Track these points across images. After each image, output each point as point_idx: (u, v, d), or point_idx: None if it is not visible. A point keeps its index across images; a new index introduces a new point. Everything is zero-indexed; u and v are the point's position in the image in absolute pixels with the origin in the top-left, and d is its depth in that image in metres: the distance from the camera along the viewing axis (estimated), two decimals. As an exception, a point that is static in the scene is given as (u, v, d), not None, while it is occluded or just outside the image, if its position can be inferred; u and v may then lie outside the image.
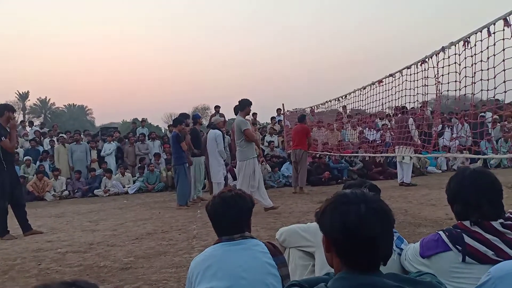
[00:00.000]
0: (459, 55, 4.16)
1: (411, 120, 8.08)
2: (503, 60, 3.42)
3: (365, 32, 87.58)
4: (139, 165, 12.68)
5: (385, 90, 6.49)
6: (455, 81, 4.30)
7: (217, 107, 14.42)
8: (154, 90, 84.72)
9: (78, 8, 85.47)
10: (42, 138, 13.67)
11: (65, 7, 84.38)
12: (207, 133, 9.52)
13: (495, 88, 3.58)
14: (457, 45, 4.20)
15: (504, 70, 3.42)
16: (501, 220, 1.77)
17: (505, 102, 6.48)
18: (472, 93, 4.08)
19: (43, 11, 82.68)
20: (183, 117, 9.39)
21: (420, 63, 5.18)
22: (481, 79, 3.81)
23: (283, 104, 12.68)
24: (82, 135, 13.65)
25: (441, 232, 1.86)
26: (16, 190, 6.18)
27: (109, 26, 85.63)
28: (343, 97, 8.78)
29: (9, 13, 76.49)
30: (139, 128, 15.26)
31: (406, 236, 4.57)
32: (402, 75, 5.84)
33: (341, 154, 11.05)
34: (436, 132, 8.21)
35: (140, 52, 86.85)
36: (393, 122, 9.70)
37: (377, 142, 10.43)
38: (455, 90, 4.34)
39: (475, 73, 3.87)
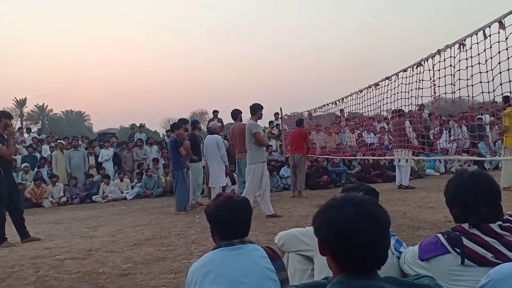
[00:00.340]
0: (455, 57, 4.18)
1: (407, 123, 8.09)
2: (499, 63, 3.44)
3: (363, 35, 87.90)
4: (137, 170, 12.67)
5: (382, 93, 6.51)
6: (451, 84, 4.32)
7: (215, 112, 14.44)
8: (152, 95, 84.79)
9: (76, 13, 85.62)
10: (40, 144, 13.63)
11: (63, 13, 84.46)
12: (204, 138, 9.53)
13: (494, 90, 3.60)
14: (452, 47, 4.22)
15: (500, 73, 3.43)
16: (500, 222, 1.76)
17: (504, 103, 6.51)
18: (468, 96, 4.09)
19: (40, 17, 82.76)
20: (181, 122, 9.40)
21: (416, 66, 5.20)
22: (480, 82, 3.81)
23: (280, 108, 12.73)
24: (80, 141, 13.62)
25: (439, 235, 1.86)
26: (14, 197, 6.15)
27: (106, 31, 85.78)
28: (340, 100, 8.80)
29: (6, 19, 76.54)
30: (137, 134, 15.26)
31: (405, 239, 4.56)
32: (398, 78, 5.86)
33: (340, 158, 11.06)
34: (436, 134, 8.25)
35: (138, 57, 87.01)
36: (391, 125, 9.71)
37: (376, 145, 10.45)
38: (452, 93, 4.36)
39: (472, 75, 3.89)
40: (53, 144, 13.57)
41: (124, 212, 9.17)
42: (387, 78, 6.28)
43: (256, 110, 7.18)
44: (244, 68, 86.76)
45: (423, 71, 5.02)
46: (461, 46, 4.10)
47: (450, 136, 11.84)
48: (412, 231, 5.20)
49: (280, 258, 2.18)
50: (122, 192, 12.00)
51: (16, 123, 42.72)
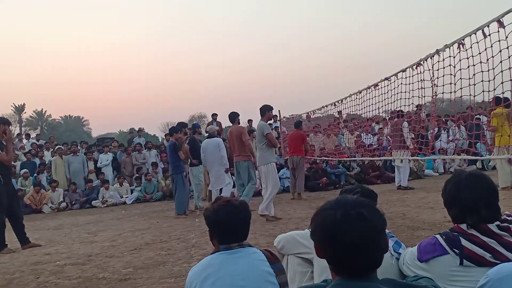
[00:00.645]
0: (454, 57, 4.17)
1: (405, 123, 8.10)
2: (500, 62, 3.43)
3: (362, 37, 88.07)
4: (137, 175, 12.66)
5: (381, 94, 6.50)
6: (450, 84, 4.32)
7: (214, 115, 14.44)
8: (150, 99, 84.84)
9: (73, 19, 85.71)
10: (39, 150, 13.62)
11: (60, 19, 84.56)
12: (201, 142, 9.54)
13: (494, 89, 3.59)
14: (451, 47, 4.22)
15: (502, 71, 3.42)
16: (498, 223, 1.76)
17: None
18: (470, 95, 4.08)
19: (38, 22, 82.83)
20: (180, 126, 9.40)
21: (415, 66, 5.19)
22: (482, 81, 3.81)
23: (279, 111, 12.71)
24: (79, 146, 13.61)
25: (438, 236, 1.86)
26: (14, 203, 6.14)
27: (104, 36, 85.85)
28: (339, 101, 8.80)
29: (3, 25, 76.55)
30: (136, 138, 15.25)
31: (405, 239, 4.57)
32: (397, 78, 5.85)
33: (339, 159, 11.07)
34: (433, 135, 8.25)
35: (135, 62, 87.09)
36: (389, 126, 9.73)
37: (374, 146, 10.45)
38: (451, 93, 4.35)
39: (474, 75, 3.88)
40: (52, 150, 13.54)
41: (124, 217, 9.17)
42: (386, 79, 6.27)
43: (265, 111, 7.28)
44: (242, 71, 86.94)
45: (423, 71, 5.02)
46: (461, 45, 4.09)
47: (448, 136, 11.85)
48: (412, 232, 5.20)
49: (279, 261, 2.18)
50: (121, 197, 11.99)
51: (15, 129, 42.75)
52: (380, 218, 1.26)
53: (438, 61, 4.52)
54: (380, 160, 11.02)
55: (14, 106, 51.53)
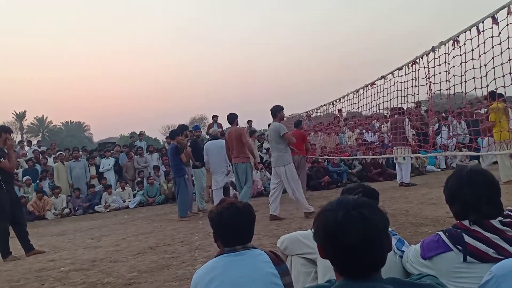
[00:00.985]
0: (449, 54, 4.19)
1: (407, 121, 8.11)
2: (493, 58, 3.45)
3: (359, 36, 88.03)
4: (138, 179, 12.66)
5: (378, 92, 6.54)
6: (446, 81, 4.34)
7: (215, 117, 14.44)
8: (150, 102, 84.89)
9: (72, 24, 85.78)
10: (40, 156, 13.64)
11: (60, 24, 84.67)
12: (203, 144, 9.56)
13: (487, 86, 3.62)
14: (446, 44, 4.24)
15: (493, 68, 3.45)
16: (500, 218, 1.77)
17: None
18: (462, 92, 4.11)
19: (37, 27, 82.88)
20: (181, 128, 9.42)
21: (411, 64, 5.22)
22: (473, 78, 3.83)
23: (279, 111, 12.69)
24: (80, 152, 13.63)
25: (441, 233, 1.86)
26: (17, 211, 6.17)
27: (103, 41, 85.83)
28: (338, 100, 8.83)
29: (4, 29, 76.66)
30: (137, 142, 15.26)
31: (408, 236, 4.57)
32: (394, 77, 5.88)
33: (340, 158, 11.06)
34: (433, 131, 8.26)
35: (135, 66, 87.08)
36: (388, 123, 9.73)
37: (375, 143, 10.45)
38: (447, 89, 4.37)
39: (466, 71, 3.90)
40: (54, 156, 13.55)
41: (127, 221, 9.17)
42: (383, 77, 6.30)
43: (277, 112, 7.22)
44: (241, 72, 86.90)
45: (419, 69, 5.04)
46: (455, 42, 4.12)
47: (449, 132, 11.85)
48: (415, 228, 5.20)
49: (283, 262, 2.18)
50: (124, 201, 11.99)
51: (16, 137, 42.73)
52: (382, 217, 1.26)
53: (434, 59, 4.55)
54: (382, 158, 11.03)
55: (15, 114, 51.61)
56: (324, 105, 9.80)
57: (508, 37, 3.28)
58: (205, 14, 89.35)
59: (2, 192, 5.90)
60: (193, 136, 10.58)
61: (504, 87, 3.40)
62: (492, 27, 3.43)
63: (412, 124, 7.92)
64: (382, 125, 11.41)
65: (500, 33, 3.35)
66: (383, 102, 6.51)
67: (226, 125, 13.16)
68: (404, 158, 9.10)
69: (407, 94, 5.50)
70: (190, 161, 9.01)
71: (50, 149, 14.77)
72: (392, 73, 5.83)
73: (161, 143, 33.13)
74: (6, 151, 6.06)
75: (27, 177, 12.14)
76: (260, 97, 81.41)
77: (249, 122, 15.87)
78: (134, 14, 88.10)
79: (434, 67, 4.57)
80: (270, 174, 11.73)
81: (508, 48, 3.28)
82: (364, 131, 12.03)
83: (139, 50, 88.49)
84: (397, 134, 7.98)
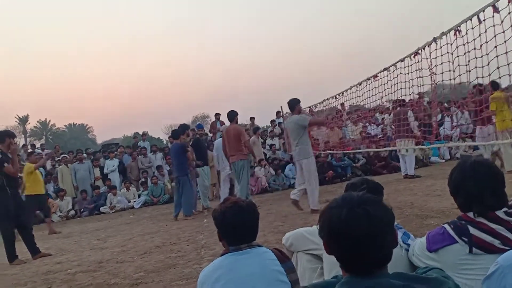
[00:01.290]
0: (451, 44, 4.16)
1: (410, 113, 8.07)
2: (495, 47, 3.42)
3: (360, 27, 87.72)
4: (142, 179, 12.69)
5: (381, 85, 6.50)
6: (449, 71, 4.31)
7: (217, 115, 14.46)
8: (152, 102, 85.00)
9: (74, 26, 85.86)
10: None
11: (61, 25, 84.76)
12: (208, 142, 9.58)
13: (489, 75, 3.58)
14: (448, 34, 4.21)
15: (497, 56, 3.41)
16: (505, 209, 1.76)
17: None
18: (467, 81, 4.08)
19: (38, 30, 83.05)
20: (183, 128, 9.43)
21: (413, 55, 5.19)
22: (475, 67, 3.81)
23: (281, 107, 12.66)
24: (84, 154, 13.67)
25: (446, 225, 1.85)
26: (22, 214, 6.19)
27: (103, 42, 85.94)
28: (340, 94, 8.78)
29: (5, 35, 76.84)
30: (141, 142, 15.29)
31: (414, 229, 4.55)
32: (396, 68, 5.85)
33: (344, 152, 11.04)
34: (437, 122, 8.22)
35: (135, 66, 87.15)
36: (391, 115, 9.69)
37: (379, 136, 10.41)
38: (450, 80, 4.35)
39: (469, 61, 3.87)
40: (57, 158, 13.57)
41: (132, 221, 9.20)
42: (385, 69, 6.27)
43: (294, 105, 7.11)
44: (242, 69, 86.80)
45: (421, 60, 5.02)
46: (457, 32, 4.09)
47: (452, 122, 11.80)
48: (421, 220, 5.18)
49: (289, 259, 2.17)
50: (129, 201, 12.03)
51: (20, 140, 42.88)
52: (387, 213, 1.26)
53: (436, 49, 4.51)
54: (385, 151, 10.99)
55: (18, 118, 51.80)
56: (327, 99, 9.76)
57: (511, 25, 3.25)
58: (205, 11, 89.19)
59: (6, 196, 5.93)
60: (195, 135, 10.58)
61: (509, 75, 3.36)
62: (493, 16, 3.39)
63: (415, 115, 7.88)
64: (384, 117, 11.39)
65: (502, 21, 3.32)
66: (387, 94, 6.49)
67: (228, 122, 13.18)
68: (407, 150, 9.06)
69: (412, 86, 5.47)
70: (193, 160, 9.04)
71: (54, 151, 14.80)
72: (394, 65, 5.80)
73: (164, 142, 33.17)
74: (10, 156, 6.08)
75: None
76: (262, 93, 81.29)
77: (252, 119, 15.88)
78: (133, 15, 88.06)
79: (436, 58, 4.53)
80: (274, 170, 11.79)
81: (512, 37, 3.26)
82: (367, 124, 11.98)
83: (138, 50, 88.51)
84: (401, 126, 7.95)
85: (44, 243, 7.22)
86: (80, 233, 8.51)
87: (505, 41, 3.37)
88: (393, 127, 9.78)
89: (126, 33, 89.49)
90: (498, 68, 3.46)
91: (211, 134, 14.15)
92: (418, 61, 5.01)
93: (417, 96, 6.93)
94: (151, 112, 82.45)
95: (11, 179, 6.06)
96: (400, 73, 5.70)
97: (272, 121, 15.31)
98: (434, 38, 4.50)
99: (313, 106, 11.93)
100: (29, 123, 52.96)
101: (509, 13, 3.27)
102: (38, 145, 19.37)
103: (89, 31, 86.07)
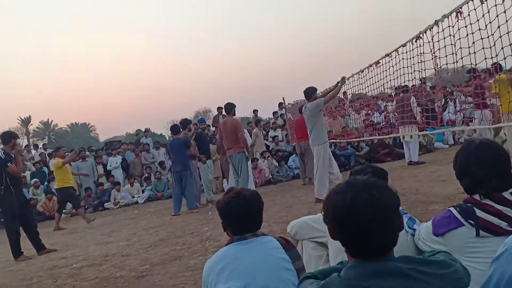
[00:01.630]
0: (453, 27, 4.09)
1: (413, 99, 8.00)
2: (498, 27, 3.36)
3: (360, 16, 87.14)
4: (146, 175, 12.71)
5: (383, 71, 6.43)
6: (452, 54, 4.24)
7: (220, 108, 14.38)
8: (154, 98, 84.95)
9: (76, 25, 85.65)
10: (47, 158, 13.70)
11: (62, 25, 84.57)
12: (210, 136, 9.57)
13: (496, 55, 3.52)
14: (449, 17, 4.14)
15: (500, 37, 3.35)
16: (511, 190, 1.73)
17: (506, 69, 6.42)
18: (471, 64, 4.02)
19: (39, 31, 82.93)
20: (185, 123, 9.42)
21: (415, 39, 5.12)
22: (482, 48, 3.73)
23: (283, 98, 12.66)
24: (87, 152, 13.70)
25: (452, 208, 1.82)
26: (26, 212, 6.26)
27: (104, 38, 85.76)
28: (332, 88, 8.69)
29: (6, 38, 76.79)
30: (143, 139, 15.30)
31: (420, 215, 4.53)
32: (398, 54, 5.78)
33: (347, 140, 10.99)
34: (440, 107, 8.16)
35: (136, 63, 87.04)
36: (394, 102, 9.61)
37: (382, 123, 10.35)
38: (453, 63, 4.28)
39: (473, 43, 3.81)
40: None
41: (137, 216, 9.22)
42: (387, 55, 6.20)
43: (311, 94, 7.06)
44: (243, 62, 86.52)
45: (423, 44, 4.94)
46: (459, 14, 4.02)
47: (455, 107, 11.71)
48: (426, 206, 5.15)
49: (294, 247, 2.16)
50: (133, 197, 12.06)
51: (23, 141, 42.99)
52: (392, 197, 1.24)
53: (438, 32, 4.44)
54: (389, 138, 10.93)
55: (20, 119, 51.87)
56: (329, 88, 9.66)
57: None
58: (205, 6, 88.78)
59: (11, 195, 6.00)
60: (197, 129, 10.56)
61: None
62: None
63: (418, 101, 7.80)
64: (388, 104, 11.31)
65: (504, 0, 3.25)
66: (389, 80, 6.42)
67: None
68: (411, 137, 9.00)
69: (414, 71, 5.39)
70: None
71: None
72: (396, 50, 5.73)
73: (167, 138, 33.20)
74: (14, 156, 6.13)
75: (35, 179, 12.23)
76: (264, 85, 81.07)
77: (255, 111, 15.84)
78: (134, 11, 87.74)
79: (439, 41, 4.47)
80: (277, 162, 11.76)
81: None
82: (370, 111, 11.91)
83: (138, 47, 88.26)
84: (404, 113, 7.88)
85: (49, 239, 7.24)
86: (85, 228, 8.54)
87: (506, 21, 3.31)
88: (396, 113, 9.72)
89: (126, 32, 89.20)
90: (502, 48, 3.40)
91: (213, 128, 14.12)
92: (420, 45, 4.93)
93: (420, 82, 6.84)
94: (153, 109, 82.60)
95: (15, 178, 6.14)
96: (403, 58, 5.64)
97: (275, 113, 15.26)
98: (435, 21, 4.43)
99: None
100: (31, 124, 53.10)
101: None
102: (40, 145, 19.36)
103: (90, 31, 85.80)
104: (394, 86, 7.34)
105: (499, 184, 1.74)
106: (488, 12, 3.49)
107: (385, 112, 11.76)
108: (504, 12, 3.28)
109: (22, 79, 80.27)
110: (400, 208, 1.39)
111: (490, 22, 3.49)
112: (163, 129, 47.21)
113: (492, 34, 3.50)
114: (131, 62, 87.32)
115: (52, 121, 54.40)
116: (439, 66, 4.80)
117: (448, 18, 4.20)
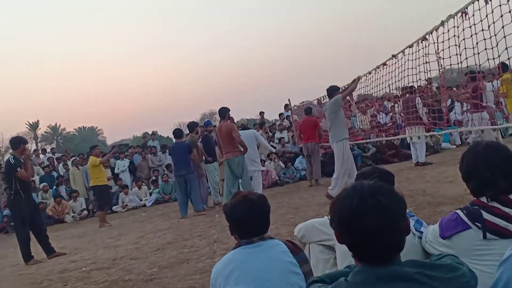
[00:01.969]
0: (458, 27, 4.09)
1: (418, 99, 7.98)
2: (503, 27, 3.35)
3: (366, 18, 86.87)
4: (153, 178, 12.77)
5: (390, 72, 6.45)
6: (457, 54, 4.24)
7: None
8: (160, 102, 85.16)
9: (81, 30, 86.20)
10: (56, 163, 13.81)
11: (68, 29, 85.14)
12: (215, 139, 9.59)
13: (499, 56, 3.52)
14: (455, 17, 4.14)
15: (504, 37, 3.35)
16: (518, 192, 1.72)
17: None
18: (475, 64, 4.01)
19: (45, 35, 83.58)
20: (192, 126, 9.46)
21: (421, 40, 5.12)
22: (485, 49, 3.74)
23: (289, 100, 12.67)
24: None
25: (459, 211, 1.82)
26: (36, 216, 6.34)
27: (110, 41, 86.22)
28: (348, 85, 8.69)
29: (8, 42, 77.44)
30: (150, 142, 15.37)
31: (427, 216, 4.51)
32: (404, 55, 5.79)
33: (355, 142, 10.96)
34: (447, 107, 8.12)
35: (142, 66, 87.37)
36: (400, 103, 9.59)
37: (389, 124, 10.31)
38: (458, 63, 4.28)
39: (477, 43, 3.81)
40: (68, 162, 13.68)
41: (145, 219, 9.26)
42: (393, 56, 6.21)
43: (333, 92, 7.03)
44: (248, 64, 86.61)
45: (428, 45, 4.95)
46: (464, 14, 4.02)
47: (462, 107, 11.63)
48: (434, 208, 5.13)
49: (301, 251, 2.17)
50: (141, 200, 12.12)
51: (31, 146, 43.24)
52: (399, 202, 1.24)
53: (443, 33, 4.44)
54: (396, 139, 10.90)
55: (28, 124, 52.23)
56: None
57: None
58: (211, 5, 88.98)
59: (20, 199, 6.08)
60: (204, 131, 10.60)
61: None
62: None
63: (424, 101, 7.78)
64: (394, 105, 11.27)
65: (508, 0, 3.25)
66: (395, 81, 6.43)
67: (236, 118, 13.16)
68: (418, 138, 8.96)
69: (419, 72, 5.40)
70: (203, 156, 9.06)
71: (65, 155, 14.93)
72: (403, 51, 5.74)
73: (174, 141, 33.31)
74: (23, 161, 6.21)
75: (44, 183, 12.33)
76: (271, 86, 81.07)
77: (261, 113, 15.86)
78: (140, 14, 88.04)
79: (443, 42, 4.47)
80: (284, 163, 11.77)
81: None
82: (376, 112, 11.89)
83: (143, 50, 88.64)
84: (410, 114, 7.86)
85: (59, 243, 7.30)
86: (94, 232, 8.59)
87: (512, 21, 3.30)
88: (402, 114, 9.69)
89: (129, 34, 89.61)
90: (506, 49, 3.40)
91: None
92: (426, 46, 4.94)
93: (426, 82, 6.83)
94: (159, 112, 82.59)
95: (24, 183, 6.22)
96: (409, 59, 5.65)
97: (281, 114, 15.27)
98: (442, 21, 4.43)
99: (321, 98, 11.88)
100: (39, 129, 53.37)
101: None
102: (48, 149, 19.51)
103: (94, 32, 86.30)
104: (400, 87, 7.34)
105: (506, 186, 1.73)
106: (492, 12, 3.49)
107: (391, 113, 11.72)
108: (510, 12, 3.27)
109: (30, 85, 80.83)
110: (407, 211, 1.40)
111: (494, 22, 3.49)
112: (170, 132, 47.34)
113: (495, 34, 3.49)
114: (137, 65, 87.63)
115: (60, 125, 54.78)
116: (443, 67, 4.80)
117: (454, 18, 4.20)
